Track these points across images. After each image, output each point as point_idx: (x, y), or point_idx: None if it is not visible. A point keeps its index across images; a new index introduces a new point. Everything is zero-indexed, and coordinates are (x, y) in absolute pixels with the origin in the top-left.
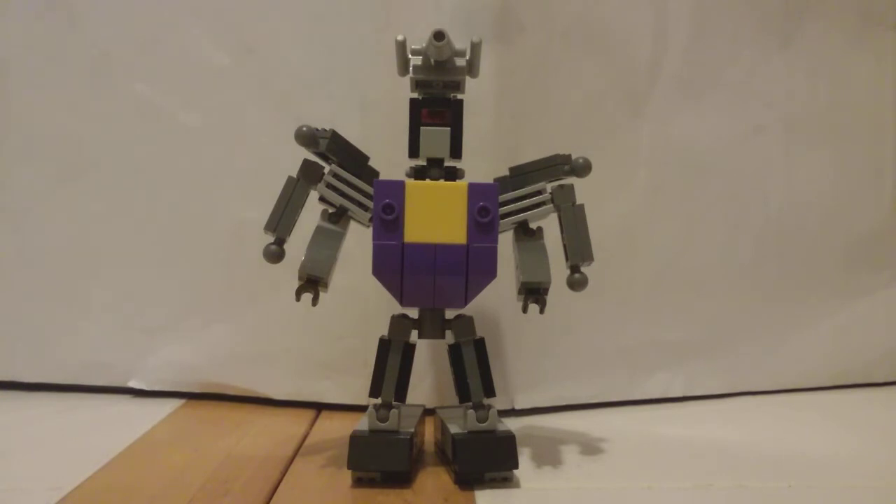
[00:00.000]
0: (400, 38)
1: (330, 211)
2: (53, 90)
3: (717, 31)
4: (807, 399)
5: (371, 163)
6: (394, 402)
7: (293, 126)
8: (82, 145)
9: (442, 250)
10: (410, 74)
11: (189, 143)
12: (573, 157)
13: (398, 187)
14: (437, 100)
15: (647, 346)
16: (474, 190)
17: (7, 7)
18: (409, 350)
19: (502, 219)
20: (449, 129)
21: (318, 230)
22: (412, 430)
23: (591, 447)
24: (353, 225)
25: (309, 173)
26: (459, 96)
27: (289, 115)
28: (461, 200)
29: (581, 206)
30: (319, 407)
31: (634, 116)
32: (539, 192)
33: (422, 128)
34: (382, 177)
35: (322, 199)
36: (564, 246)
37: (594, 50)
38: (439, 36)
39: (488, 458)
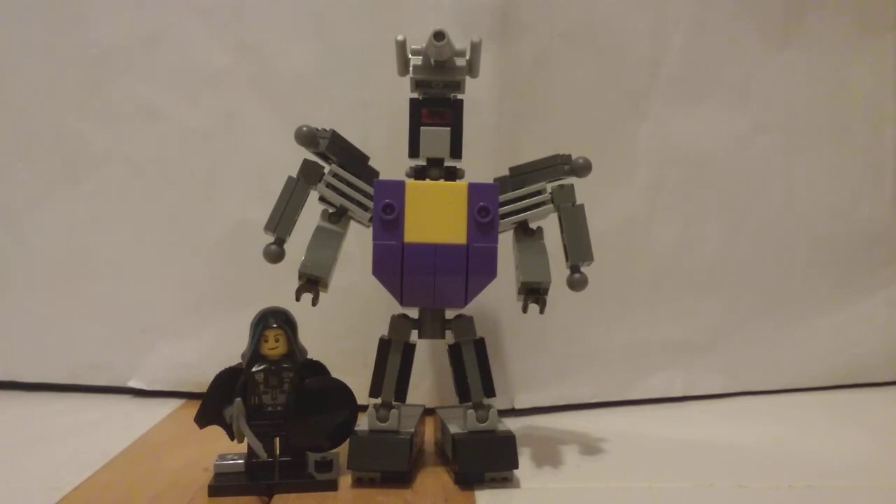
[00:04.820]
0: (400, 38)
1: (330, 211)
2: (53, 90)
3: (716, 31)
4: (807, 399)
5: (371, 163)
6: (394, 402)
7: (293, 126)
8: (82, 145)
9: (442, 250)
10: (410, 74)
11: (189, 143)
12: (573, 157)
13: (398, 187)
14: (437, 100)
15: (647, 346)
16: (474, 190)
17: (7, 7)
18: (409, 350)
19: (502, 219)
20: (449, 128)
21: (318, 230)
22: (412, 430)
23: (590, 447)
24: (353, 225)
25: (309, 173)
26: (459, 96)
27: (289, 115)
28: (461, 200)
29: (581, 206)
30: None
31: (634, 116)
32: (539, 192)
33: (422, 128)
34: (382, 177)
35: (322, 199)
36: (564, 246)
37: (594, 50)
38: (439, 36)
39: (488, 458)
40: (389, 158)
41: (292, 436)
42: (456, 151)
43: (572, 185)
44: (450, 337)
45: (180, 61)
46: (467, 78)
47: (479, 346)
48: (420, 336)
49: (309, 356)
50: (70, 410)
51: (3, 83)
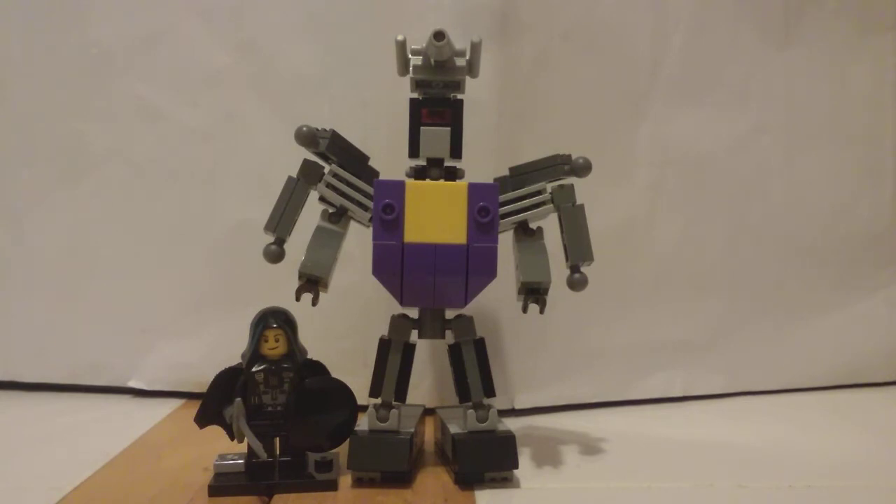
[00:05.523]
0: (400, 38)
1: (330, 211)
2: (53, 90)
3: (717, 31)
4: (807, 399)
5: (371, 163)
6: (394, 402)
7: (293, 126)
8: (82, 145)
9: (442, 250)
10: (410, 74)
11: (189, 143)
12: (573, 157)
13: (398, 187)
14: (437, 100)
15: (647, 346)
16: (474, 190)
17: (7, 7)
18: (409, 350)
19: (502, 219)
20: (449, 128)
21: (318, 230)
22: (412, 430)
23: (590, 447)
24: (353, 225)
25: (309, 173)
26: (459, 96)
27: (289, 115)
28: (461, 200)
29: (581, 206)
30: None
31: (634, 116)
32: (539, 192)
33: (422, 128)
34: (382, 177)
35: (322, 199)
36: (564, 246)
37: (594, 50)
38: (439, 36)
39: (488, 458)
40: (389, 158)
41: (292, 436)
42: (456, 151)
43: (572, 185)
44: (450, 337)
45: (180, 61)
46: (467, 78)
47: (479, 346)
48: (420, 336)
49: (309, 356)
50: (70, 410)
51: (4, 83)
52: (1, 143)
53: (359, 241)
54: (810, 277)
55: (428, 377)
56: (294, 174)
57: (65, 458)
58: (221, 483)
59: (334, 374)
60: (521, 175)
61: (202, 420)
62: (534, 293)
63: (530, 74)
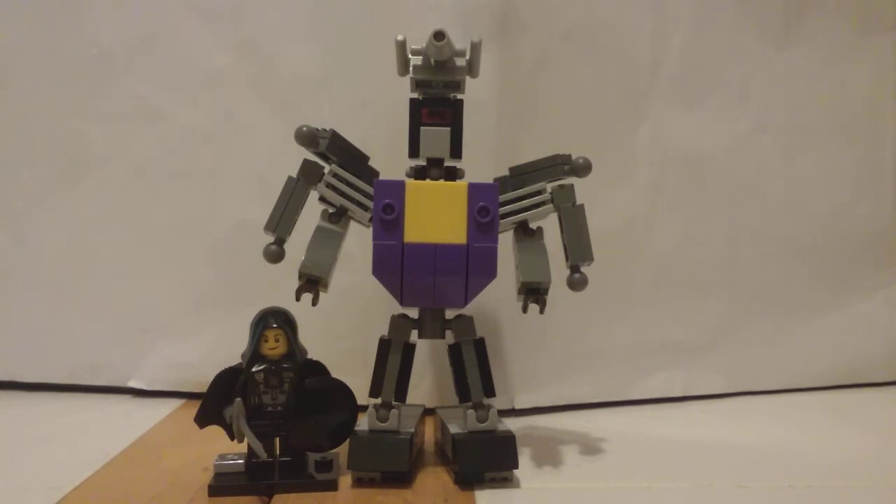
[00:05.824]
0: (400, 38)
1: (330, 211)
2: (53, 90)
3: (717, 31)
4: (807, 399)
5: (371, 163)
6: (394, 402)
7: (293, 126)
8: (82, 145)
9: (442, 250)
10: (410, 74)
11: (189, 143)
12: (573, 157)
13: (398, 187)
14: (437, 100)
15: (647, 346)
16: (474, 190)
17: (7, 7)
18: (409, 350)
19: (502, 219)
20: (449, 128)
21: (318, 230)
22: (412, 430)
23: (590, 447)
24: (353, 225)
25: (309, 173)
26: (459, 96)
27: (289, 115)
28: (461, 200)
29: (581, 206)
30: None
31: (634, 116)
32: (539, 192)
33: (422, 128)
34: (382, 177)
35: (322, 199)
36: (564, 246)
37: (594, 50)
38: (439, 36)
39: (488, 458)
40: (389, 158)
41: (292, 436)
42: (456, 151)
43: (572, 185)
44: (450, 337)
45: (180, 61)
46: (467, 78)
47: (479, 346)
48: (420, 336)
49: (309, 356)
50: (70, 410)
51: (4, 83)
52: (1, 143)
53: (359, 241)
54: (810, 277)
55: (428, 377)
56: (294, 174)
57: (65, 458)
58: (221, 483)
59: (334, 374)
60: (521, 175)
61: (202, 420)
62: (534, 293)
63: (530, 74)
